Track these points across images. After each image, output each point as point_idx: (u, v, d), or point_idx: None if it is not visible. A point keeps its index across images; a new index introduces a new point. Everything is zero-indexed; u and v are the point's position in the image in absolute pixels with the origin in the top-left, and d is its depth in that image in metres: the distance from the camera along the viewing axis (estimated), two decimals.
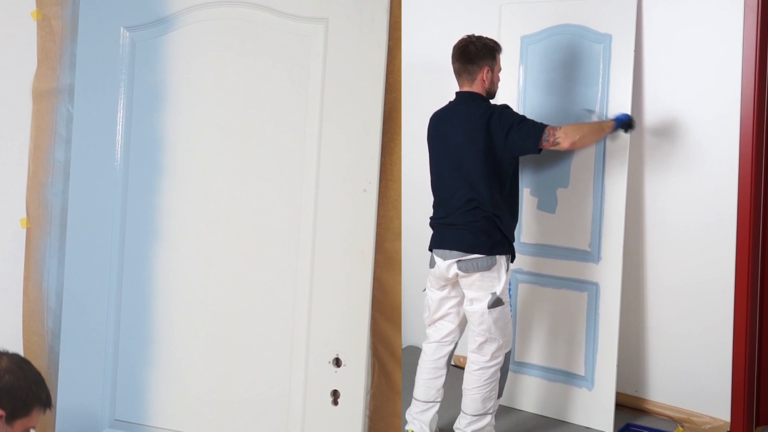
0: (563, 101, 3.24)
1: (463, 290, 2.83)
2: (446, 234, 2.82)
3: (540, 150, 2.74)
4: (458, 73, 2.84)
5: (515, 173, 2.84)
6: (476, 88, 2.81)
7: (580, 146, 2.82)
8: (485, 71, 2.79)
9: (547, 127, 2.71)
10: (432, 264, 2.88)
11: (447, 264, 2.78)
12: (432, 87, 3.80)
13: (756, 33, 2.87)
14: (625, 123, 2.94)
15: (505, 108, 2.78)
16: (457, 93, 2.86)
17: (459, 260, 2.75)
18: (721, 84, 2.98)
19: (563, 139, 2.70)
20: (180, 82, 2.10)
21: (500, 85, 2.90)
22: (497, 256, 2.75)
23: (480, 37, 2.82)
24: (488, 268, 2.74)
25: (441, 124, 2.87)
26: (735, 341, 3.04)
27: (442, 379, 2.98)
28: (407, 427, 3.02)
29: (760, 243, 3.03)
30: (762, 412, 3.17)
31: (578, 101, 3.21)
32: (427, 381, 2.98)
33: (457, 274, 2.78)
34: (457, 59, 2.82)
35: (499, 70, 2.86)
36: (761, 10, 2.86)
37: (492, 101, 2.85)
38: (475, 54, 2.78)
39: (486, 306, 2.76)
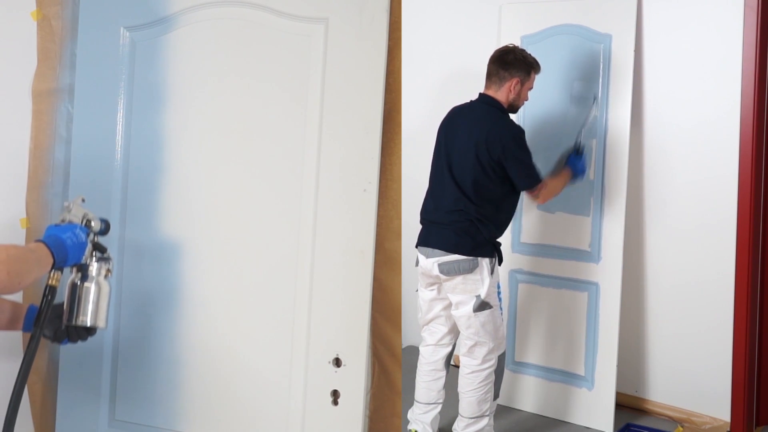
0: (563, 101, 3.24)
1: (447, 294, 2.82)
2: (431, 232, 2.82)
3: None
4: (489, 75, 2.84)
5: (509, 193, 2.81)
6: (500, 95, 2.81)
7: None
8: (514, 82, 2.78)
9: (541, 183, 2.78)
10: (416, 262, 2.88)
11: (430, 262, 2.78)
12: (432, 87, 3.80)
13: (756, 33, 2.88)
14: (577, 167, 2.99)
15: (521, 135, 2.77)
16: (480, 94, 2.86)
17: (440, 263, 2.74)
18: (721, 84, 2.98)
19: (542, 198, 2.85)
20: (180, 82, 2.10)
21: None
22: (479, 258, 2.74)
23: (523, 51, 2.84)
24: (470, 270, 2.73)
25: (453, 120, 2.87)
26: (735, 341, 3.04)
27: (442, 381, 2.98)
28: (410, 427, 3.02)
29: (760, 243, 3.03)
30: (762, 412, 3.17)
31: (578, 101, 3.21)
32: (428, 383, 2.98)
33: (440, 276, 2.78)
34: (493, 61, 2.83)
35: (530, 88, 2.85)
36: (761, 10, 2.86)
37: (512, 115, 2.86)
38: (512, 62, 2.79)
39: (471, 309, 2.75)
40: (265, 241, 2.04)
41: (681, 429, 3.16)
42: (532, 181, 2.77)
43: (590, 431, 3.19)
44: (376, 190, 1.97)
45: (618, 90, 3.10)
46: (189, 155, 2.09)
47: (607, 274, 3.15)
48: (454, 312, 2.82)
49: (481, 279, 2.75)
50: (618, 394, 3.19)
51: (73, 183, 2.18)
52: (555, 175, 2.96)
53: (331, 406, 2.00)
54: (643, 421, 3.23)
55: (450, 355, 2.99)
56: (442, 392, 2.99)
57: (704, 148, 3.06)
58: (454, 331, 2.95)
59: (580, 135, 3.04)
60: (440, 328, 2.95)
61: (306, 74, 1.99)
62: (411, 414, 3.04)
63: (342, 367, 2.00)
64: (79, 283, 1.75)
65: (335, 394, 2.00)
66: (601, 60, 3.14)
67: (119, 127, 2.14)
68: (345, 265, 1.99)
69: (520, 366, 3.38)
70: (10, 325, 1.83)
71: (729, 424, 3.10)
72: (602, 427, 3.16)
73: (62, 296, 1.76)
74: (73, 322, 1.75)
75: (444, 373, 2.98)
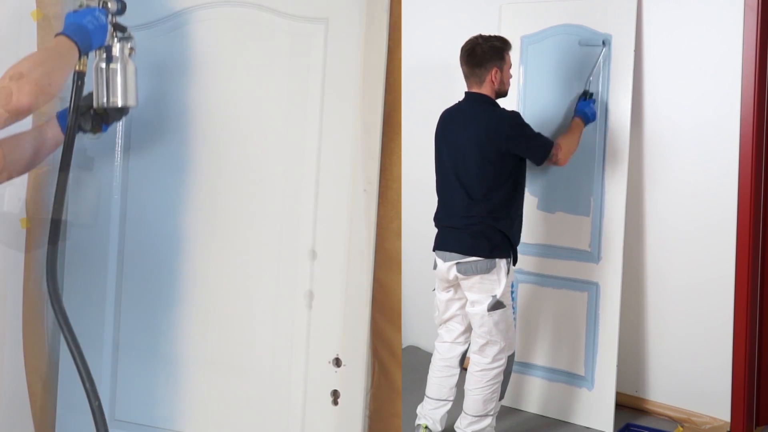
0: (563, 101, 3.24)
1: (465, 292, 2.83)
2: (447, 236, 2.82)
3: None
4: (466, 76, 2.80)
5: (517, 182, 2.81)
6: (485, 89, 2.78)
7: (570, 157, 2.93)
8: (494, 72, 2.75)
9: (554, 146, 2.76)
10: (435, 265, 2.88)
11: (447, 266, 2.79)
12: (432, 87, 3.80)
13: (756, 33, 2.87)
14: (586, 112, 2.98)
15: (517, 118, 2.75)
16: (465, 93, 2.84)
17: (458, 263, 2.75)
18: (721, 84, 2.98)
19: (562, 158, 2.82)
20: (180, 82, 2.10)
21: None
22: (497, 260, 2.74)
23: (488, 38, 2.77)
24: (488, 270, 2.73)
25: (447, 124, 2.86)
26: (735, 341, 3.03)
27: (455, 378, 2.99)
28: (419, 422, 3.03)
29: (760, 243, 3.02)
30: (762, 412, 3.17)
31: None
32: (440, 379, 2.99)
33: (457, 277, 2.78)
34: (464, 62, 2.79)
35: (510, 67, 2.81)
36: (761, 10, 2.86)
37: (503, 100, 2.83)
38: (482, 57, 2.74)
39: (486, 308, 2.75)
40: (265, 240, 2.04)
41: (681, 429, 3.16)
42: (546, 150, 2.75)
43: (591, 431, 3.19)
44: (376, 190, 1.97)
45: (618, 90, 3.10)
46: (189, 155, 2.09)
47: (607, 274, 3.14)
48: (469, 309, 2.83)
49: (498, 279, 2.75)
50: (618, 394, 3.19)
51: (73, 183, 2.18)
52: (567, 131, 2.95)
53: (331, 406, 2.01)
54: (643, 421, 3.23)
55: (465, 353, 2.99)
56: (454, 390, 2.99)
57: (704, 148, 3.06)
58: (470, 330, 2.95)
59: (588, 82, 3.02)
60: (457, 327, 2.96)
61: (306, 74, 1.99)
62: (420, 409, 3.05)
63: (342, 367, 2.00)
64: (105, 66, 1.79)
65: (335, 394, 2.00)
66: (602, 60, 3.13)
67: (119, 127, 2.14)
68: (345, 265, 1.99)
69: (520, 366, 3.38)
70: (36, 158, 1.85)
71: (729, 424, 3.10)
72: (602, 427, 3.16)
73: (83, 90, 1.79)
74: (106, 105, 1.80)
75: (458, 370, 2.99)
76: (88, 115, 1.85)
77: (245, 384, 2.08)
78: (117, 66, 1.80)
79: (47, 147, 1.86)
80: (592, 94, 3.03)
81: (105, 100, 1.80)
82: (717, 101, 3.00)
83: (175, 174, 2.11)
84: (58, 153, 2.20)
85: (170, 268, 2.12)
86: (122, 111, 1.89)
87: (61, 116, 1.86)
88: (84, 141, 1.98)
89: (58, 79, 1.52)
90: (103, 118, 1.88)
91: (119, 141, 2.15)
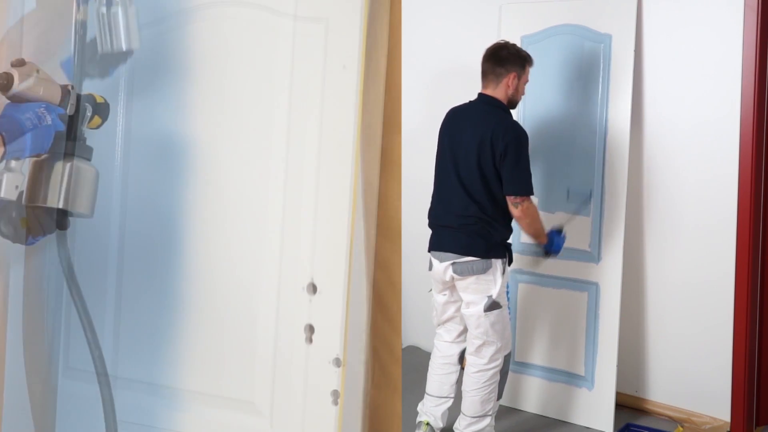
0: (563, 101, 3.25)
1: (460, 293, 2.83)
2: (442, 236, 2.82)
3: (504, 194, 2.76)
4: (485, 74, 2.83)
5: None
6: (499, 93, 2.79)
7: (522, 226, 2.84)
8: (512, 77, 2.78)
9: (527, 197, 2.72)
10: (430, 266, 2.88)
11: (443, 266, 2.78)
12: (432, 87, 3.80)
13: (756, 33, 2.88)
14: (554, 244, 2.97)
15: (524, 138, 2.74)
16: (479, 94, 2.85)
17: (454, 263, 2.75)
18: (721, 84, 2.98)
19: (522, 216, 2.74)
20: (180, 82, 2.10)
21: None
22: (493, 260, 2.75)
23: (515, 45, 2.84)
24: (483, 271, 2.73)
25: (453, 122, 2.86)
26: (735, 341, 3.04)
27: (455, 376, 3.00)
28: (421, 419, 3.03)
29: (760, 243, 3.03)
30: (762, 412, 3.17)
31: (578, 101, 3.21)
32: (441, 377, 3.00)
33: (452, 277, 2.78)
34: (487, 60, 2.82)
35: (526, 82, 2.84)
36: (761, 10, 2.87)
37: (513, 111, 2.85)
38: (506, 58, 2.78)
39: (482, 309, 2.76)
40: (264, 241, 2.04)
41: (681, 429, 3.16)
42: (521, 188, 2.72)
43: (590, 431, 3.19)
44: (376, 191, 1.97)
45: (618, 90, 3.10)
46: (188, 154, 2.10)
47: (607, 274, 3.15)
48: (464, 311, 2.83)
49: (493, 279, 2.76)
50: (618, 394, 3.20)
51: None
52: (540, 221, 2.92)
53: (331, 405, 2.00)
54: (643, 421, 3.23)
55: (464, 351, 3.00)
56: (454, 387, 3.00)
57: (704, 148, 3.06)
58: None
59: (567, 222, 3.07)
60: (456, 327, 2.98)
61: (306, 75, 1.99)
62: (421, 407, 3.06)
63: (342, 367, 2.00)
64: (105, 11, 1.80)
65: (335, 394, 2.00)
66: (601, 60, 3.14)
67: (119, 127, 2.14)
68: (345, 265, 1.98)
69: (520, 366, 3.38)
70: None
71: (729, 424, 3.10)
72: (602, 427, 3.17)
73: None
74: (110, 49, 1.80)
75: (457, 368, 3.00)
76: (94, 61, 1.85)
77: (245, 384, 2.08)
78: (118, 9, 1.81)
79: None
80: (565, 234, 3.02)
81: (109, 45, 1.81)
82: (717, 101, 3.00)
83: (175, 173, 2.11)
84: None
85: (168, 265, 2.12)
86: (126, 54, 1.90)
87: (66, 65, 1.86)
88: (83, 131, 1.97)
89: (57, 37, 1.51)
90: (108, 62, 1.88)
91: (119, 141, 2.15)
